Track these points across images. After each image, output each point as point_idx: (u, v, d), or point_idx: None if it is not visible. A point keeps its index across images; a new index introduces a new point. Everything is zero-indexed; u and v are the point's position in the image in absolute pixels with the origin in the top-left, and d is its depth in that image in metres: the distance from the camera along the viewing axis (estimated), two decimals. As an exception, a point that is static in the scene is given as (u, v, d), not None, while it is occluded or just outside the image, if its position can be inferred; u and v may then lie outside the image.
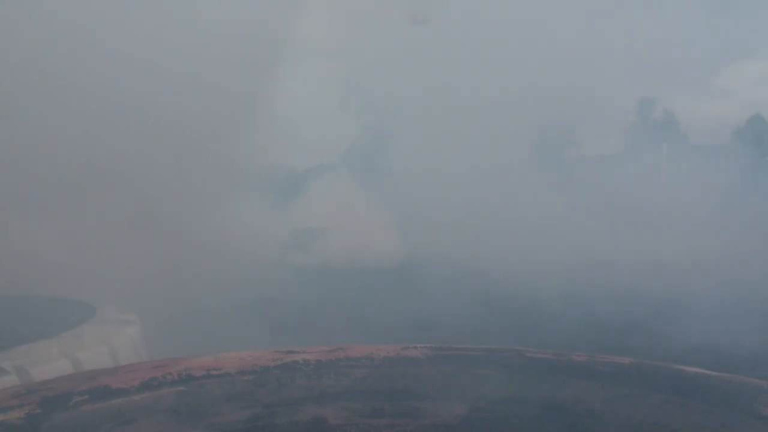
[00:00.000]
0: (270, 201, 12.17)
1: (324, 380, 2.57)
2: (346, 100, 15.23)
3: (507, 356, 2.66)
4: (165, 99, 6.89)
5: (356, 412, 2.50)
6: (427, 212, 11.91)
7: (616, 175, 12.51)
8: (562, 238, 10.05)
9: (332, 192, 12.96)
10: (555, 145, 14.49)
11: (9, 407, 2.17)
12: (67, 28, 6.38)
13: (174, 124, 7.09)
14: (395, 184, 12.57)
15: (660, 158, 16.11)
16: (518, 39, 11.87)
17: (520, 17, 11.92)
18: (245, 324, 5.32)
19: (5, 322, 3.80)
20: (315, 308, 6.92)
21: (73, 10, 6.41)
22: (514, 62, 11.88)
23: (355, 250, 11.18)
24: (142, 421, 2.34)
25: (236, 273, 7.38)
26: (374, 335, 5.45)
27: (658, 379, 2.50)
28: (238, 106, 8.00)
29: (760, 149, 16.17)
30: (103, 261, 6.16)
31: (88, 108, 6.57)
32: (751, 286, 7.79)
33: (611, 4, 12.40)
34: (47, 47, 6.29)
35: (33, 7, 6.46)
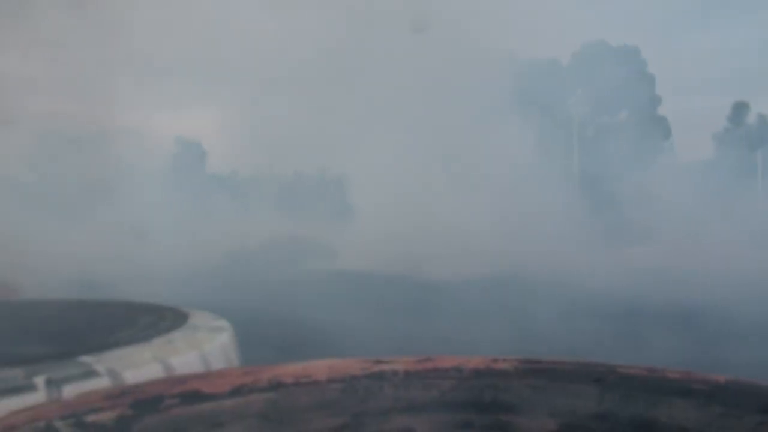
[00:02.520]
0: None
1: (412, 391, 2.55)
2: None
3: (599, 371, 2.59)
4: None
5: (444, 424, 2.48)
6: None
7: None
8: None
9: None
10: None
11: (101, 408, 2.24)
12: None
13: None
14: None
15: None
16: None
17: None
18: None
19: (100, 327, 3.93)
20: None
21: None
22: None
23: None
24: (231, 426, 2.38)
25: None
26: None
27: (755, 398, 2.39)
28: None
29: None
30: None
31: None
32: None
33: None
34: None
35: None
